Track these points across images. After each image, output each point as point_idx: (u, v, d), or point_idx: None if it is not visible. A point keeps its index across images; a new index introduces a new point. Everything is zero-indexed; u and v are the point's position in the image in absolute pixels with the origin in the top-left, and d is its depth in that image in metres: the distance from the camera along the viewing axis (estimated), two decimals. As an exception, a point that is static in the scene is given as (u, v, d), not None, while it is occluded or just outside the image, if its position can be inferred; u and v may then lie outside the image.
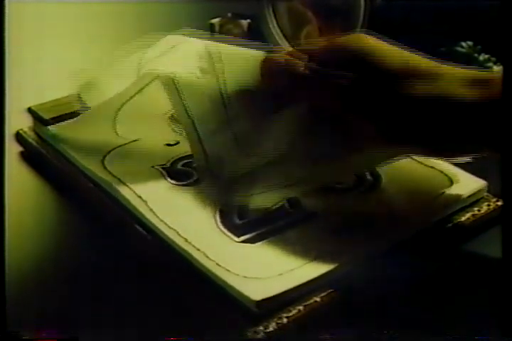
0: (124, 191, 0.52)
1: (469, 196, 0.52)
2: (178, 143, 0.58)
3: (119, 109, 0.56)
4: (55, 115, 0.60)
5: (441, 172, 0.54)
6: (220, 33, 0.74)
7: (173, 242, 0.48)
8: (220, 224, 0.50)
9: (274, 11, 0.67)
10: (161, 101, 0.54)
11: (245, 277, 0.45)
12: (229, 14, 0.75)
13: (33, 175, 0.59)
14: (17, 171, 0.59)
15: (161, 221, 0.50)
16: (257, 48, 0.52)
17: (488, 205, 0.52)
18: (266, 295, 0.44)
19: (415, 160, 0.55)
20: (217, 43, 0.53)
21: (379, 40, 0.48)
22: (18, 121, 0.61)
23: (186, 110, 0.52)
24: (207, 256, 0.47)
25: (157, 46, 0.55)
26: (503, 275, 0.44)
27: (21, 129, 0.62)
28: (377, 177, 0.54)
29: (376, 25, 0.54)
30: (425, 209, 0.51)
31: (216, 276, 0.46)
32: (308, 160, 0.51)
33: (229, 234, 0.49)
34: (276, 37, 0.67)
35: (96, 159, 0.56)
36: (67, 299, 0.47)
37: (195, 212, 0.51)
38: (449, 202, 0.52)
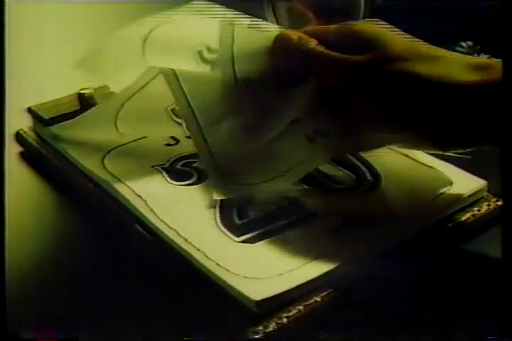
0: (124, 191, 0.52)
1: (469, 196, 0.52)
2: (178, 143, 0.58)
3: (121, 107, 0.56)
4: (55, 115, 0.60)
5: (441, 172, 0.54)
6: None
7: (173, 242, 0.48)
8: (220, 224, 0.50)
9: (274, 11, 0.67)
10: (163, 96, 0.54)
11: (245, 277, 0.45)
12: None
13: (33, 175, 0.59)
14: (17, 171, 0.59)
15: (161, 221, 0.50)
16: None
17: (488, 205, 0.52)
18: (266, 295, 0.44)
19: (415, 160, 0.55)
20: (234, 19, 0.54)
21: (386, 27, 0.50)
22: (18, 121, 0.61)
23: (187, 100, 0.52)
24: (207, 256, 0.47)
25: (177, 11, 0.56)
26: (503, 275, 0.44)
27: (21, 129, 0.62)
28: (377, 177, 0.54)
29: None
30: (425, 209, 0.51)
31: (216, 276, 0.46)
32: (308, 141, 0.51)
33: (229, 234, 0.49)
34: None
35: (96, 159, 0.56)
36: (67, 299, 0.47)
37: (195, 212, 0.51)
38: (449, 202, 0.52)
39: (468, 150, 0.49)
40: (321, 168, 0.54)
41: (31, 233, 0.53)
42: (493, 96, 0.45)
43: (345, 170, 0.54)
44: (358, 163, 0.55)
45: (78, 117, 0.57)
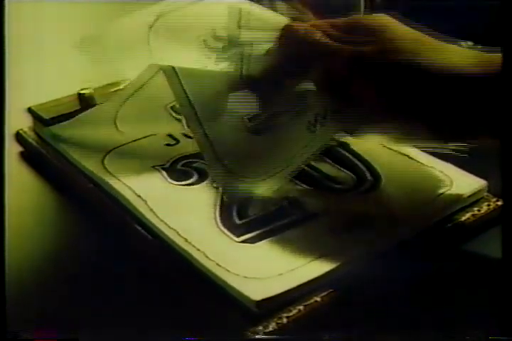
0: (124, 191, 0.52)
1: (469, 196, 0.52)
2: (178, 143, 0.58)
3: (121, 106, 0.56)
4: (55, 115, 0.60)
5: (442, 172, 0.54)
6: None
7: (173, 242, 0.48)
8: (220, 224, 0.50)
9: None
10: (162, 94, 0.54)
11: (245, 277, 0.45)
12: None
13: (33, 175, 0.59)
14: (17, 171, 0.59)
15: (161, 221, 0.50)
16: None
17: (488, 205, 0.52)
18: (266, 295, 0.44)
19: (415, 160, 0.55)
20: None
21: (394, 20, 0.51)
22: (18, 121, 0.61)
23: (187, 96, 0.52)
24: (207, 256, 0.47)
25: None
26: (503, 275, 0.44)
27: (21, 129, 0.62)
28: (377, 177, 0.54)
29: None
30: (425, 209, 0.51)
31: (216, 276, 0.46)
32: (308, 129, 0.51)
33: (229, 234, 0.49)
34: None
35: (96, 159, 0.56)
36: (67, 299, 0.47)
37: (195, 212, 0.51)
38: (449, 202, 0.52)
39: (468, 145, 0.49)
40: (321, 168, 0.54)
41: (31, 233, 0.53)
42: (494, 88, 0.45)
43: (346, 171, 0.54)
44: (358, 163, 0.55)
45: (78, 116, 0.57)
